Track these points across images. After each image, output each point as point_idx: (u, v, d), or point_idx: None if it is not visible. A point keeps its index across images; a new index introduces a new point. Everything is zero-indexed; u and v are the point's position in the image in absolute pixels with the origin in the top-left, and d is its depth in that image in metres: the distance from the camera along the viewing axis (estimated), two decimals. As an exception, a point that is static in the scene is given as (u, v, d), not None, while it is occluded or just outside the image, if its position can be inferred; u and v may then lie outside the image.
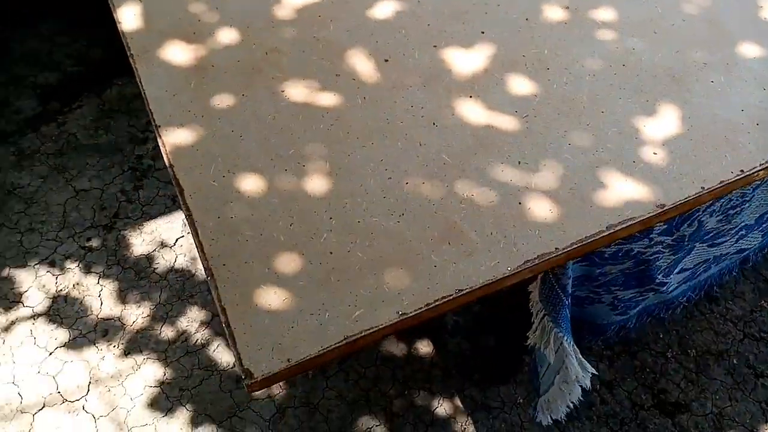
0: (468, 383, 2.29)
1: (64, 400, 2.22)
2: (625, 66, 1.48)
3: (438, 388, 2.28)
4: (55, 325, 2.38)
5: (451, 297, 1.16)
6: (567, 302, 1.43)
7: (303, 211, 1.24)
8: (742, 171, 1.31)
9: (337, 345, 1.10)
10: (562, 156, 1.33)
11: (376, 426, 2.20)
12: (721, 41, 1.54)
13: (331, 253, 1.20)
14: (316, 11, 1.56)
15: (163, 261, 2.55)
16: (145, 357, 2.31)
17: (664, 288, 1.73)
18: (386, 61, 1.48)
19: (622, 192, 1.28)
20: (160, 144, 1.30)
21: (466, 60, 1.49)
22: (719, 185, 1.30)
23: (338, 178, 1.29)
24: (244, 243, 1.20)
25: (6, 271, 2.49)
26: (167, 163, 1.28)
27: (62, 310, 2.41)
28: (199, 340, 2.36)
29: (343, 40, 1.51)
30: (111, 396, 2.24)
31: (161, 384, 2.26)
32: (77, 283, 2.48)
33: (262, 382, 1.08)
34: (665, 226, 1.48)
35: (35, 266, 2.51)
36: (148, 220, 2.66)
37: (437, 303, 1.15)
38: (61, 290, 2.46)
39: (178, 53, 1.45)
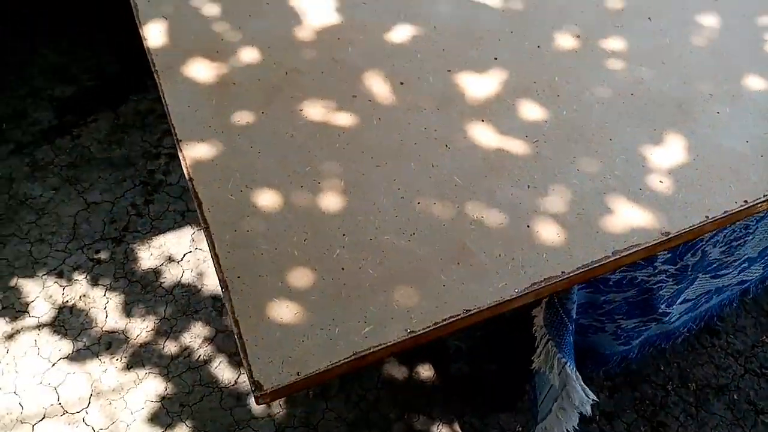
0: (468, 409, 2.29)
1: (65, 412, 2.23)
2: (634, 95, 1.52)
3: (438, 413, 2.27)
4: (60, 336, 2.39)
5: (459, 317, 1.17)
6: (571, 327, 1.45)
7: (317, 227, 1.27)
8: (746, 201, 1.34)
9: (346, 360, 1.11)
10: (570, 181, 1.36)
11: (376, 448, 2.20)
12: (727, 73, 1.58)
13: (343, 269, 1.22)
14: (336, 34, 1.61)
15: (170, 276, 2.58)
16: (148, 371, 2.32)
17: (667, 318, 1.74)
18: (402, 84, 1.52)
19: (629, 219, 1.31)
20: (180, 158, 1.33)
21: (479, 85, 1.53)
22: (723, 215, 1.32)
23: (352, 196, 1.31)
24: (259, 256, 1.22)
25: (14, 281, 2.52)
26: (187, 177, 1.31)
27: (67, 322, 2.43)
28: (201, 356, 2.37)
29: (361, 62, 1.55)
30: (112, 409, 2.24)
31: (162, 399, 2.26)
32: (84, 295, 2.50)
33: (272, 395, 1.09)
34: (669, 255, 1.50)
35: (43, 277, 2.54)
36: (157, 234, 2.69)
37: (445, 322, 1.17)
38: (67, 301, 2.48)
39: (201, 70, 1.49)
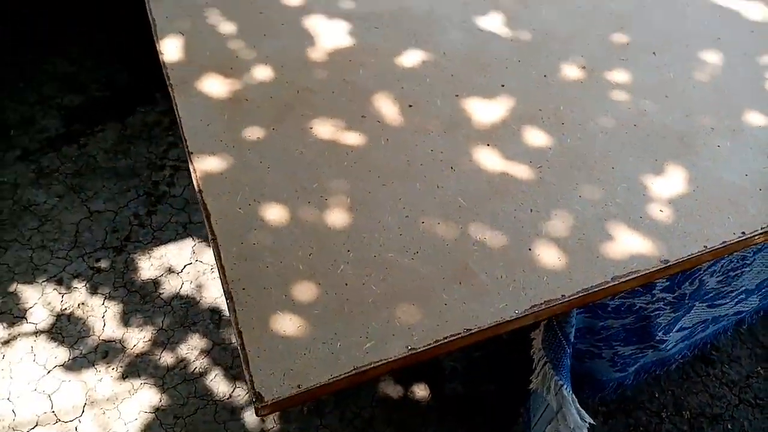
0: (463, 430, 2.29)
1: (58, 420, 2.22)
2: (637, 126, 1.56)
3: (432, 433, 2.27)
4: (56, 343, 2.39)
5: (459, 335, 1.19)
6: (569, 350, 1.46)
7: (322, 242, 1.29)
8: (743, 233, 1.36)
9: (347, 375, 1.13)
10: (572, 207, 1.39)
11: (370, 467, 2.19)
12: (728, 109, 1.62)
13: (346, 284, 1.24)
14: (348, 56, 1.65)
15: (169, 287, 2.58)
16: (143, 382, 2.32)
17: (663, 346, 1.76)
18: (410, 106, 1.55)
19: (628, 245, 1.33)
20: (191, 170, 1.36)
21: (486, 110, 1.56)
22: (721, 245, 1.35)
23: (358, 213, 1.34)
24: (265, 269, 1.24)
25: (13, 286, 2.52)
26: (197, 189, 1.34)
27: (65, 329, 2.43)
28: (197, 369, 2.37)
29: (371, 84, 1.59)
30: (105, 419, 2.23)
31: (156, 410, 2.25)
32: (82, 303, 2.50)
33: (272, 406, 1.10)
34: (667, 283, 1.53)
35: (42, 283, 2.54)
36: (158, 245, 2.70)
37: (446, 340, 1.18)
38: (65, 309, 2.48)
39: (214, 86, 1.53)
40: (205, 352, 2.41)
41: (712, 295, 1.69)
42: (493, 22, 1.79)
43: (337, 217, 1.33)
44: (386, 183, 1.40)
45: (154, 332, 2.45)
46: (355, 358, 1.14)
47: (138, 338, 2.42)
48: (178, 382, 2.32)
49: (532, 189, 1.42)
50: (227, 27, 1.67)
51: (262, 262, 1.25)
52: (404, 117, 1.53)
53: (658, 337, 1.68)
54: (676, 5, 1.92)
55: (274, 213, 1.32)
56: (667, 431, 2.31)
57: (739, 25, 1.87)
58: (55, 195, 2.83)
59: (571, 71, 1.68)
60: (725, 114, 1.61)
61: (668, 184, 1.44)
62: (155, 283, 2.59)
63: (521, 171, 1.45)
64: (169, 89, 1.50)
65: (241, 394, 2.31)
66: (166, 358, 2.38)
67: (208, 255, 2.70)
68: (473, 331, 1.19)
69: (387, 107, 1.54)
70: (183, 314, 2.51)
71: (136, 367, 2.35)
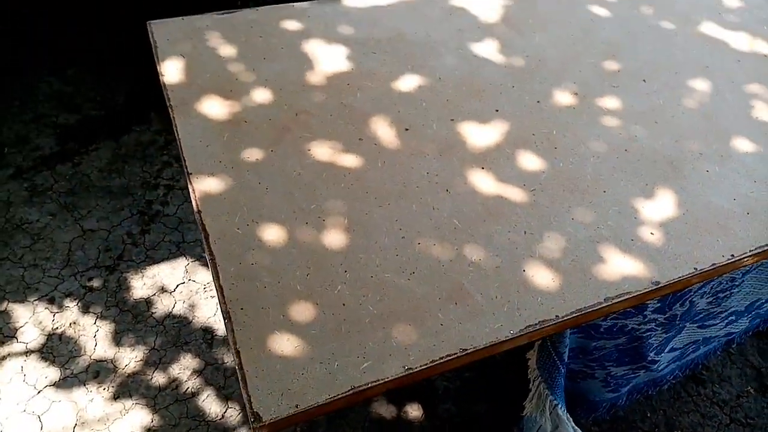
0: (456, 451, 2.29)
1: (48, 441, 2.19)
2: (627, 151, 1.59)
3: (426, 455, 2.27)
4: (47, 363, 2.37)
5: (455, 355, 1.20)
6: (563, 370, 1.48)
7: (320, 262, 1.30)
8: (732, 255, 1.39)
9: (345, 394, 1.13)
10: (565, 229, 1.41)
11: (363, 489, 2.18)
12: (716, 135, 1.66)
13: (343, 304, 1.25)
14: (345, 80, 1.68)
15: (162, 306, 2.58)
16: (134, 402, 2.30)
17: (655, 366, 1.78)
18: (406, 129, 1.58)
19: (620, 267, 1.36)
20: (190, 190, 1.37)
21: (480, 134, 1.59)
22: (711, 267, 1.38)
23: (355, 234, 1.36)
24: (262, 289, 1.25)
25: (4, 305, 2.51)
26: (195, 209, 1.35)
27: (56, 349, 2.41)
28: (189, 389, 2.35)
29: (368, 107, 1.62)
30: (95, 439, 2.21)
31: (148, 431, 2.23)
32: (74, 322, 2.49)
33: (270, 426, 1.10)
34: (659, 304, 1.55)
35: (34, 302, 2.53)
36: (151, 264, 2.70)
37: (442, 360, 1.19)
38: (57, 328, 2.47)
39: (214, 107, 1.55)
40: (197, 372, 2.39)
41: (702, 316, 1.71)
42: (487, 49, 1.83)
43: (334, 238, 1.35)
44: (383, 204, 1.42)
45: (146, 352, 2.43)
46: (352, 378, 1.15)
47: (130, 358, 2.41)
48: (170, 403, 2.31)
49: (525, 211, 1.44)
50: (227, 50, 1.70)
51: (260, 282, 1.26)
52: (400, 140, 1.56)
53: (650, 358, 1.69)
54: (665, 34, 1.98)
55: (272, 233, 1.34)
56: (659, 452, 2.32)
57: (726, 54, 1.93)
58: (48, 213, 2.82)
59: (564, 97, 1.72)
60: (713, 140, 1.65)
61: (658, 207, 1.48)
62: (148, 302, 2.58)
63: (515, 194, 1.47)
64: (170, 110, 1.52)
65: (233, 414, 2.30)
66: (158, 378, 2.37)
67: (201, 274, 2.70)
68: (469, 351, 1.21)
69: (384, 130, 1.57)
70: (175, 334, 2.50)
71: (127, 387, 2.33)
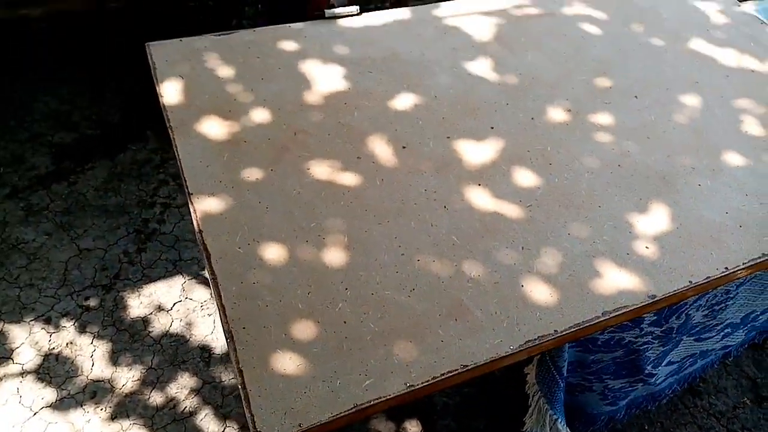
0: (456, 467, 2.28)
1: (44, 463, 2.18)
2: (621, 166, 1.62)
3: (425, 471, 2.27)
4: (44, 384, 2.36)
5: (456, 372, 1.22)
6: (562, 385, 1.49)
7: (321, 280, 1.31)
8: (726, 268, 1.42)
9: (347, 412, 1.14)
10: (561, 244, 1.43)
11: (363, 506, 2.17)
12: (707, 149, 1.69)
13: (345, 322, 1.26)
14: (342, 99, 1.70)
15: (159, 325, 2.57)
16: (132, 422, 2.29)
17: (653, 380, 1.79)
18: (403, 147, 1.61)
19: (617, 281, 1.38)
20: (191, 210, 1.39)
21: (476, 151, 1.62)
22: (705, 280, 1.40)
23: (355, 252, 1.37)
24: (264, 308, 1.26)
25: (0, 326, 2.49)
26: (197, 229, 1.36)
27: (52, 369, 2.40)
28: (187, 408, 2.34)
29: (365, 126, 1.64)
30: (93, 461, 2.20)
31: (146, 451, 2.22)
32: (71, 342, 2.48)
33: (273, 445, 1.11)
34: (655, 317, 1.57)
35: (30, 322, 2.52)
36: (147, 283, 2.70)
37: (443, 377, 1.21)
38: (53, 348, 2.46)
39: (213, 128, 1.56)
40: (194, 391, 2.39)
41: (698, 329, 1.73)
42: (481, 67, 1.87)
43: (334, 256, 1.36)
44: (382, 222, 1.44)
45: (144, 371, 2.43)
46: (354, 396, 1.16)
47: (127, 377, 2.40)
48: (168, 422, 2.30)
49: (522, 227, 1.46)
50: (225, 71, 1.72)
51: (262, 301, 1.27)
52: (398, 158, 1.58)
53: (647, 371, 1.71)
54: (655, 51, 2.02)
55: (273, 252, 1.35)
56: (658, 465, 2.33)
57: (715, 70, 1.97)
58: (44, 233, 2.82)
59: (557, 114, 1.75)
60: (704, 154, 1.68)
61: (652, 221, 1.50)
62: (145, 321, 2.58)
63: (511, 210, 1.49)
64: (170, 131, 1.53)
65: (231, 433, 2.29)
66: (156, 398, 2.36)
67: (197, 292, 2.70)
68: (470, 367, 1.22)
69: (381, 149, 1.59)
70: (172, 353, 2.49)
71: (125, 408, 2.32)
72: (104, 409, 2.30)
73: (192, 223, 2.92)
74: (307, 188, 1.48)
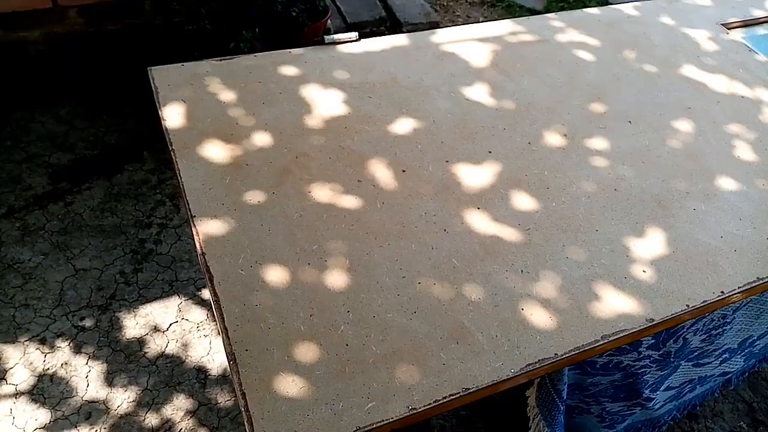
0: (453, 490, 2.27)
1: (37, 487, 2.15)
2: (617, 190, 1.65)
3: (422, 494, 2.25)
4: (38, 404, 2.33)
5: (458, 395, 1.22)
6: (562, 408, 1.50)
7: (323, 303, 1.32)
8: (722, 292, 1.44)
9: (350, 436, 1.15)
10: (560, 268, 1.45)
11: None
12: (701, 174, 1.73)
13: (347, 344, 1.27)
14: (343, 123, 1.73)
15: (155, 345, 2.56)
16: (127, 444, 2.26)
17: (651, 404, 1.80)
18: (403, 171, 1.63)
19: (615, 305, 1.39)
20: (194, 233, 1.40)
21: (475, 175, 1.64)
22: (702, 304, 1.42)
23: (356, 274, 1.38)
24: (267, 330, 1.26)
25: (-6, 346, 2.47)
26: (199, 251, 1.37)
27: (47, 390, 2.37)
28: (182, 430, 2.32)
29: (366, 150, 1.66)
30: (86, 484, 2.17)
31: (140, 474, 2.20)
32: (66, 363, 2.46)
33: (276, 468, 1.11)
34: (653, 341, 1.58)
35: (25, 342, 2.50)
36: (143, 303, 2.69)
37: (445, 400, 1.21)
38: (48, 369, 2.44)
39: (215, 151, 1.58)
40: (190, 413, 2.37)
41: (696, 353, 1.75)
42: (478, 92, 1.90)
43: (336, 278, 1.37)
44: (383, 244, 1.45)
45: (139, 392, 2.41)
46: (357, 419, 1.16)
47: (122, 399, 2.38)
48: (163, 445, 2.28)
49: (521, 250, 1.48)
50: (227, 95, 1.74)
51: (264, 323, 1.28)
52: (398, 181, 1.60)
53: (645, 395, 1.72)
54: (648, 77, 2.06)
55: (275, 274, 1.36)
56: (655, 488, 2.32)
57: (706, 96, 2.02)
58: (40, 253, 2.81)
59: (554, 138, 1.78)
60: (698, 179, 1.71)
61: (649, 245, 1.52)
62: (140, 341, 2.56)
63: (510, 233, 1.51)
64: (172, 154, 1.55)
65: (227, 456, 2.27)
66: (151, 420, 2.34)
67: (194, 313, 2.69)
68: (472, 390, 1.22)
69: (381, 172, 1.62)
70: (168, 374, 2.48)
71: (120, 429, 2.29)
72: (99, 430, 2.28)
73: (188, 243, 2.93)
74: (308, 211, 1.49)
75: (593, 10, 2.40)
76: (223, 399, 2.42)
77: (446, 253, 1.45)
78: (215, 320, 2.66)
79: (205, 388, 2.45)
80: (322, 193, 1.54)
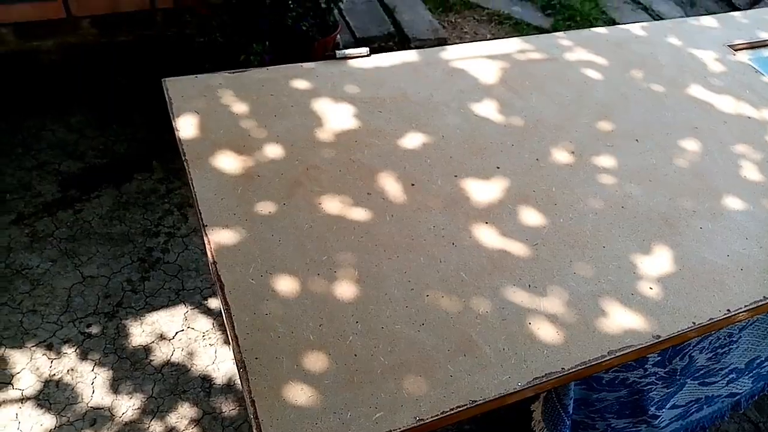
0: (456, 505, 2.26)
1: (40, 493, 2.15)
2: (624, 208, 1.66)
3: None
4: (43, 410, 2.35)
5: (465, 407, 1.23)
6: (568, 422, 1.50)
7: (332, 313, 1.34)
8: (728, 310, 1.45)
9: (357, 445, 1.16)
10: (567, 283, 1.47)
11: None
12: (708, 193, 1.74)
13: (355, 355, 1.28)
14: (353, 137, 1.75)
15: (160, 353, 2.57)
16: (130, 452, 2.27)
17: (656, 422, 1.80)
18: (412, 185, 1.65)
19: (622, 321, 1.40)
20: (205, 242, 1.41)
21: (483, 190, 1.66)
22: (708, 322, 1.43)
23: (365, 286, 1.40)
24: (276, 339, 1.28)
25: (1, 351, 2.49)
26: (210, 260, 1.39)
27: (53, 396, 2.39)
28: (186, 439, 2.33)
29: (376, 163, 1.68)
30: (89, 491, 2.17)
31: (143, 482, 2.20)
32: (72, 369, 2.47)
33: (284, 477, 1.12)
34: (659, 358, 1.59)
35: (32, 348, 2.52)
36: (150, 311, 2.71)
37: (453, 411, 1.22)
38: (54, 375, 2.45)
39: (228, 162, 1.61)
40: (195, 422, 2.38)
41: (703, 372, 1.75)
42: (487, 109, 1.93)
43: (345, 289, 1.39)
44: (391, 257, 1.47)
45: (144, 400, 2.42)
46: (364, 429, 1.17)
47: (127, 406, 2.39)
48: (166, 454, 2.28)
49: (529, 265, 1.50)
50: (240, 107, 1.77)
51: (274, 332, 1.29)
52: (407, 195, 1.62)
53: (650, 412, 1.72)
54: (655, 96, 2.09)
55: (285, 284, 1.38)
56: (658, 507, 2.31)
57: (713, 116, 2.04)
58: (49, 259, 2.83)
59: (561, 155, 1.80)
60: (705, 198, 1.73)
61: (656, 262, 1.54)
62: (146, 349, 2.58)
63: (518, 248, 1.53)
64: (185, 164, 1.57)
65: (231, 466, 2.27)
66: (156, 427, 2.34)
67: (200, 322, 2.70)
68: (479, 403, 1.23)
69: (391, 185, 1.64)
70: (173, 382, 2.49)
71: (123, 437, 2.30)
72: (103, 438, 2.29)
73: (195, 253, 2.94)
74: (318, 222, 1.51)
75: (601, 30, 2.43)
76: (228, 408, 2.43)
77: (454, 266, 1.47)
78: (221, 329, 2.68)
79: (210, 397, 2.45)
80: (332, 205, 1.56)
